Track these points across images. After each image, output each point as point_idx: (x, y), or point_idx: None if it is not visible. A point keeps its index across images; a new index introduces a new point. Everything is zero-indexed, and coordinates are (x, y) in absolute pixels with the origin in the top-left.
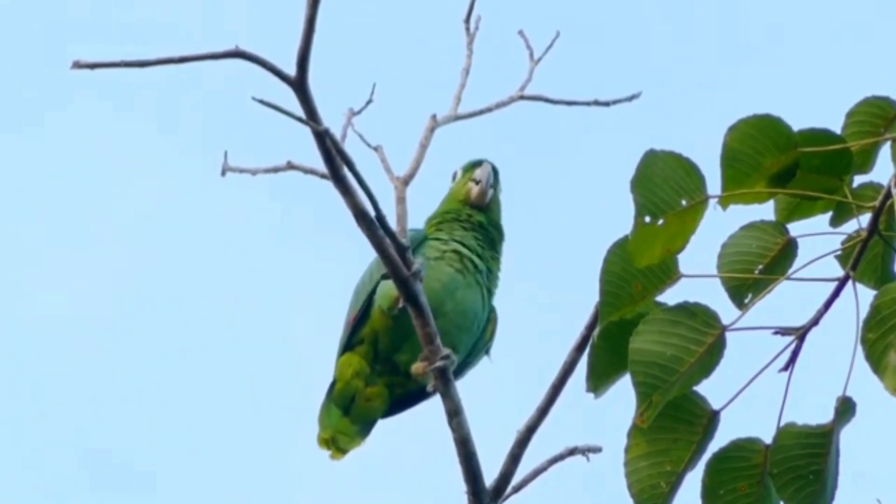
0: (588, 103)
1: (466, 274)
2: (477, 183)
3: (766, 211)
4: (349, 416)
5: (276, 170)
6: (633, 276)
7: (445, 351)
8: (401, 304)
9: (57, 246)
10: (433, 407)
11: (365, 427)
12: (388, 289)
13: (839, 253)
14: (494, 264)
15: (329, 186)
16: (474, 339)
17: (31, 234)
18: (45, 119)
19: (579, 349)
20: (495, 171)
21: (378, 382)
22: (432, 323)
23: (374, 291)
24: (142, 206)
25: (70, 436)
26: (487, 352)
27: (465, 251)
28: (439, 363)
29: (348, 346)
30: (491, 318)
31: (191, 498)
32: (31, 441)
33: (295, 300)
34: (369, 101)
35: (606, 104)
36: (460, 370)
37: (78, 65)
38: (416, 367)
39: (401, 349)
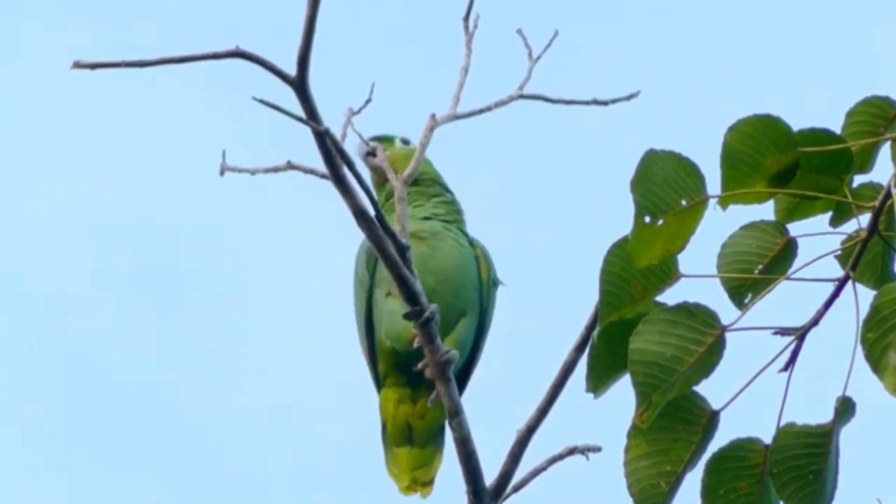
0: (587, 102)
1: (423, 242)
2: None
3: (765, 211)
4: (415, 444)
5: (275, 169)
6: (632, 276)
7: (444, 349)
8: (416, 344)
9: (49, 234)
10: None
11: (437, 440)
12: (400, 330)
13: (839, 253)
14: (444, 205)
15: (329, 186)
16: (475, 287)
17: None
18: (45, 119)
19: (579, 349)
20: (381, 138)
21: (424, 393)
22: (432, 323)
23: (368, 322)
24: (141, 206)
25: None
26: (496, 284)
27: (409, 226)
28: (444, 357)
29: (378, 384)
30: (478, 256)
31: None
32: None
33: (294, 296)
34: (368, 101)
35: (605, 103)
36: (485, 320)
37: (78, 65)
38: (428, 371)
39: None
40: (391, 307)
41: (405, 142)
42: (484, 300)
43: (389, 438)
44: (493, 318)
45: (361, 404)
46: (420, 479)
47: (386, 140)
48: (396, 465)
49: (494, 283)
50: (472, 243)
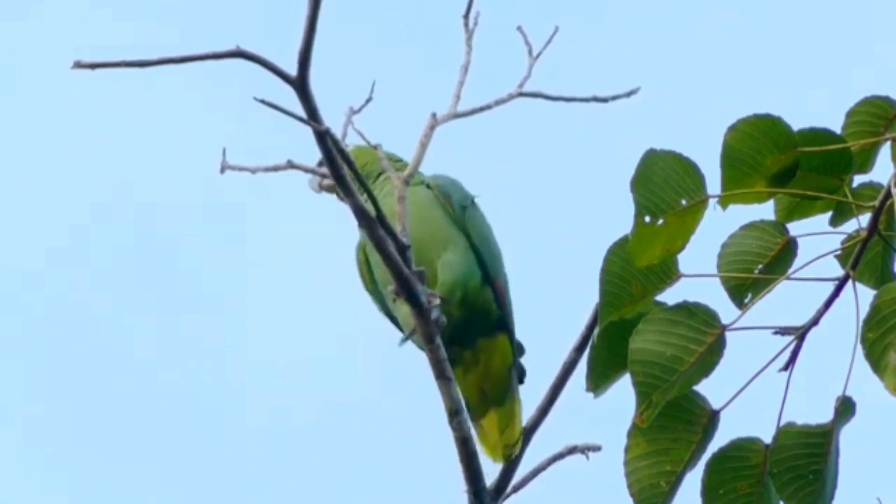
0: (587, 99)
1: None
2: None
3: (765, 211)
4: (493, 404)
5: (276, 168)
6: (632, 275)
7: (435, 314)
8: (409, 333)
9: (48, 234)
10: (433, 407)
11: (511, 391)
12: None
13: (839, 252)
14: (389, 181)
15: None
16: (445, 227)
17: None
18: (44, 119)
19: (579, 349)
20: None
21: (478, 348)
22: (431, 322)
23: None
24: (140, 205)
25: None
26: (465, 207)
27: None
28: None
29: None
30: (436, 196)
31: None
32: None
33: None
34: (369, 100)
35: (605, 100)
36: (476, 242)
37: (78, 64)
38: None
39: (460, 333)
40: (404, 310)
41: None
42: (463, 228)
43: (474, 412)
44: (490, 233)
45: (362, 401)
46: (509, 442)
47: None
48: (486, 441)
49: (464, 206)
50: (428, 185)
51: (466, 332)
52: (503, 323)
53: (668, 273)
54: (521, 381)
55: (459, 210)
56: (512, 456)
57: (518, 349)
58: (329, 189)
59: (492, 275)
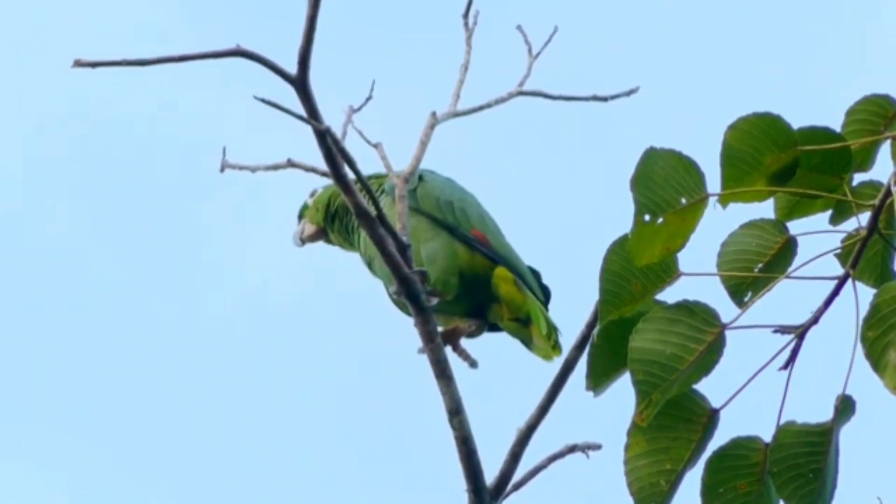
0: (586, 98)
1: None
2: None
3: (765, 209)
4: (529, 323)
5: (276, 167)
6: (632, 274)
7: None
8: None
9: (50, 239)
10: (433, 406)
11: (528, 301)
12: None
13: (839, 251)
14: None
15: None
16: (413, 214)
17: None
18: (44, 119)
19: (579, 347)
20: (300, 215)
21: (501, 305)
22: (433, 320)
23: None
24: (139, 205)
25: None
26: (415, 189)
27: (367, 252)
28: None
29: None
30: (424, 192)
31: None
32: None
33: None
34: (369, 98)
35: (604, 99)
36: (438, 213)
37: (78, 63)
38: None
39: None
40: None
41: (312, 193)
42: (419, 210)
43: (524, 340)
44: (450, 193)
45: (362, 401)
46: (550, 337)
47: (303, 210)
48: (540, 351)
49: (411, 191)
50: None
51: (485, 293)
52: (497, 259)
53: (667, 272)
54: (546, 302)
55: (413, 196)
56: (559, 346)
57: (534, 274)
58: (311, 239)
59: (467, 231)
